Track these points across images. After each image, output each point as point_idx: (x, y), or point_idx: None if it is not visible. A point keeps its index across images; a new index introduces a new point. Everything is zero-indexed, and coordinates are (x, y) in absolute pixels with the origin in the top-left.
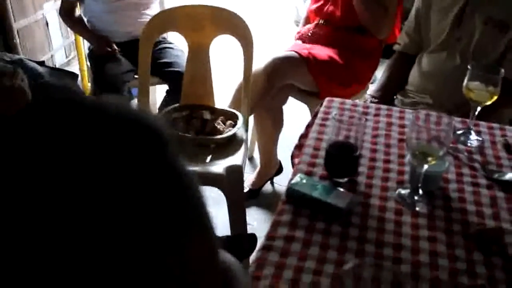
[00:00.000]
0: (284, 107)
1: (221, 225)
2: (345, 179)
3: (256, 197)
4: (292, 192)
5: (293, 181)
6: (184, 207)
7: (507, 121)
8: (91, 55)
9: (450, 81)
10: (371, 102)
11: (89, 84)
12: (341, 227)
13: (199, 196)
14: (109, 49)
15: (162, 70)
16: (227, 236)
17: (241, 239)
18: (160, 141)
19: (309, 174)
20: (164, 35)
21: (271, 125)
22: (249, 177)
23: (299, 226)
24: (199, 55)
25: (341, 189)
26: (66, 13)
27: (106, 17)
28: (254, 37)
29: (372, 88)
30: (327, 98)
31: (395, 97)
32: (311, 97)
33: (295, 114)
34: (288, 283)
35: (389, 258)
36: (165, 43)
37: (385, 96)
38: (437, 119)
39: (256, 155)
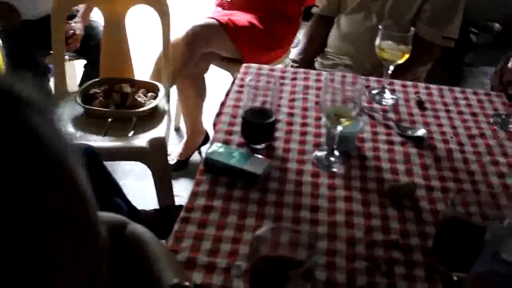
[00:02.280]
0: (208, 75)
1: (149, 198)
2: (262, 145)
3: (185, 167)
4: (209, 161)
5: (209, 150)
6: (40, 166)
7: (423, 79)
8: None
9: (367, 42)
10: (292, 66)
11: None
12: (259, 194)
13: (64, 156)
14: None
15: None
16: (155, 210)
17: (169, 211)
18: (10, 102)
19: (227, 142)
20: (77, 7)
21: (194, 94)
22: (176, 148)
23: (217, 195)
24: (115, 27)
25: (259, 156)
26: None
27: None
28: (174, 6)
29: (293, 52)
30: (244, 65)
31: (315, 60)
32: (233, 64)
33: (219, 81)
34: (206, 253)
35: (306, 221)
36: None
37: (306, 59)
38: (352, 80)
39: (183, 126)
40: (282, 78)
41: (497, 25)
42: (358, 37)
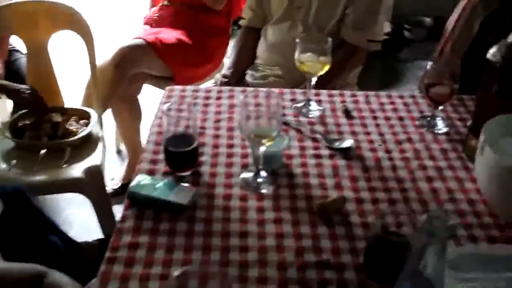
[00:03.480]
0: (144, 94)
1: (94, 227)
2: (188, 172)
3: None
4: (133, 195)
5: (133, 183)
6: None
7: (355, 83)
8: None
9: (295, 51)
10: (221, 83)
11: None
12: (186, 224)
13: None
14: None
15: None
16: (99, 240)
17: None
18: None
19: (152, 171)
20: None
21: (129, 116)
22: (119, 172)
23: (143, 230)
24: (38, 55)
25: (185, 184)
26: None
27: None
28: (100, 27)
29: (224, 67)
30: (167, 87)
31: (246, 72)
32: (166, 82)
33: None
34: None
35: (235, 248)
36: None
37: (236, 73)
38: (270, 96)
39: (124, 148)
40: (207, 98)
41: (428, 20)
42: (286, 46)
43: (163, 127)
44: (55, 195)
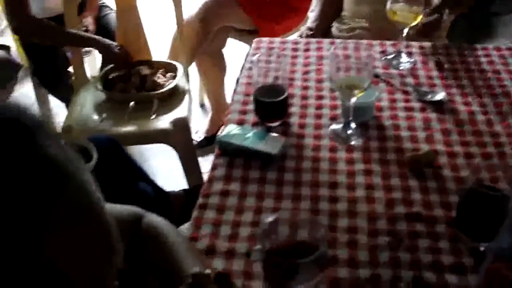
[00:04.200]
0: (228, 48)
1: (178, 178)
2: (277, 123)
3: (212, 143)
4: (223, 144)
5: (223, 133)
6: (56, 200)
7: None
8: (28, 48)
9: (382, 2)
10: (307, 35)
11: (24, 53)
12: (276, 173)
13: (73, 174)
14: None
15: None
16: (184, 190)
17: (198, 191)
18: (29, 139)
19: (241, 122)
20: None
21: (214, 70)
22: (202, 125)
23: (234, 178)
24: (128, 10)
25: (274, 134)
26: (25, 16)
27: None
28: None
29: (309, 20)
30: (255, 39)
31: (331, 25)
32: (250, 36)
33: (240, 54)
34: (226, 239)
35: (325, 198)
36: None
37: (321, 26)
38: (364, 47)
39: (207, 102)
40: (295, 50)
41: None
42: None
43: (252, 78)
44: (140, 145)
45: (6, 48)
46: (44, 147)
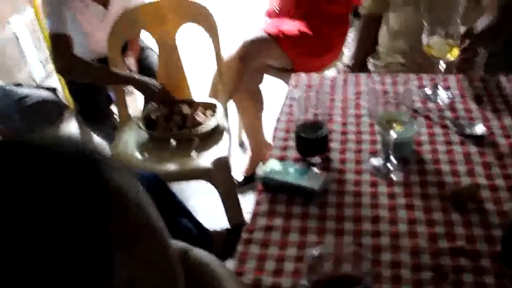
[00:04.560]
0: (265, 85)
1: (220, 216)
2: (318, 158)
3: (252, 182)
4: (266, 180)
5: (266, 169)
6: (122, 223)
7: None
8: (73, 88)
9: (419, 37)
10: (344, 72)
11: (69, 93)
12: (318, 209)
13: (144, 213)
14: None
15: None
16: (227, 229)
17: (239, 230)
18: (95, 169)
19: (283, 158)
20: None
21: (252, 107)
22: (241, 163)
23: (277, 213)
24: (168, 49)
25: (315, 169)
26: (69, 56)
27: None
28: (223, 20)
29: (346, 57)
30: (293, 75)
31: (367, 60)
32: (287, 73)
33: (277, 91)
34: (271, 274)
35: (368, 233)
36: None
37: (358, 62)
38: (403, 81)
39: (246, 140)
40: (333, 86)
41: None
42: (409, 33)
43: (293, 114)
44: (182, 183)
45: (53, 90)
46: (108, 175)
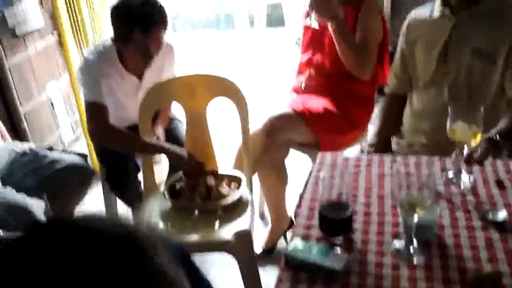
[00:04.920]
0: (289, 159)
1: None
2: (341, 239)
3: (271, 254)
4: (289, 258)
5: (289, 247)
6: None
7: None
8: (102, 155)
9: (441, 118)
10: (368, 152)
11: (97, 159)
12: None
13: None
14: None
15: None
16: None
17: None
18: (141, 251)
19: (306, 236)
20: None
21: (275, 181)
22: (262, 236)
23: None
24: (197, 120)
25: (338, 250)
26: (104, 124)
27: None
28: (251, 94)
29: (369, 135)
30: (319, 154)
31: (391, 139)
32: (312, 149)
33: (301, 165)
34: None
35: None
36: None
37: (382, 141)
38: (426, 164)
39: (267, 212)
40: (357, 166)
41: None
42: (432, 113)
43: (317, 193)
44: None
45: (83, 155)
46: (151, 254)
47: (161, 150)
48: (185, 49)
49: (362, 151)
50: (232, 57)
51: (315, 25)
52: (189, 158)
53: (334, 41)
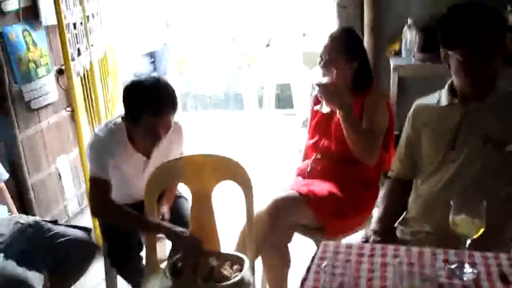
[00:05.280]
0: (293, 241)
1: None
2: None
3: None
4: None
5: None
6: None
7: (509, 241)
8: (105, 229)
9: (448, 207)
10: (373, 240)
11: (101, 234)
12: None
13: None
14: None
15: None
16: None
17: None
18: None
19: None
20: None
21: (278, 263)
22: None
23: None
24: (203, 202)
25: None
26: (105, 200)
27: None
28: (259, 172)
29: (372, 221)
30: (322, 243)
31: (396, 226)
32: (316, 233)
33: (304, 248)
34: None
35: None
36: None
37: (385, 228)
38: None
39: None
40: (360, 255)
41: None
42: (438, 203)
43: (319, 281)
44: None
45: (88, 230)
46: None
47: (161, 229)
48: (195, 128)
49: (366, 240)
50: (241, 138)
51: (326, 110)
52: (189, 237)
53: (342, 127)
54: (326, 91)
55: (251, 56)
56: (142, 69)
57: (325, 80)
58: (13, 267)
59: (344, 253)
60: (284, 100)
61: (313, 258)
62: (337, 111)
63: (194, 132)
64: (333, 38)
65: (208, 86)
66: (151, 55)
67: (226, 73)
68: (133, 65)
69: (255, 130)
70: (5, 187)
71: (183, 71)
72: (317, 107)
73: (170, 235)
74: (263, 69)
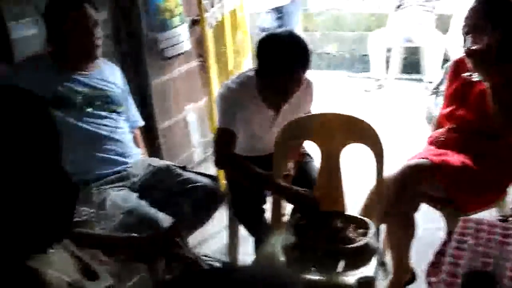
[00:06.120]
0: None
1: None
2: None
3: None
4: None
5: None
6: None
7: None
8: (229, 179)
9: None
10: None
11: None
12: None
13: None
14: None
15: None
16: None
17: None
18: None
19: None
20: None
21: (402, 232)
22: (380, 285)
23: None
24: (331, 162)
25: None
26: (228, 152)
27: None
28: (386, 138)
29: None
30: (462, 218)
31: None
32: (444, 205)
33: (429, 218)
34: None
35: None
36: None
37: None
38: None
39: (388, 261)
40: (505, 236)
41: None
42: None
43: (459, 258)
44: None
45: (214, 178)
46: None
47: (280, 190)
48: (317, 88)
49: (506, 217)
50: (365, 101)
51: (478, 78)
52: (306, 196)
53: (490, 97)
54: (481, 59)
55: (381, 17)
56: (267, 25)
57: (475, 47)
58: (146, 207)
59: (486, 231)
60: (410, 64)
61: (450, 232)
62: (485, 81)
63: (321, 92)
64: (481, 1)
65: (333, 45)
66: (278, 10)
67: (353, 33)
68: (259, 20)
69: (381, 94)
70: (139, 133)
71: (308, 28)
72: (465, 75)
73: (290, 198)
74: (393, 31)
